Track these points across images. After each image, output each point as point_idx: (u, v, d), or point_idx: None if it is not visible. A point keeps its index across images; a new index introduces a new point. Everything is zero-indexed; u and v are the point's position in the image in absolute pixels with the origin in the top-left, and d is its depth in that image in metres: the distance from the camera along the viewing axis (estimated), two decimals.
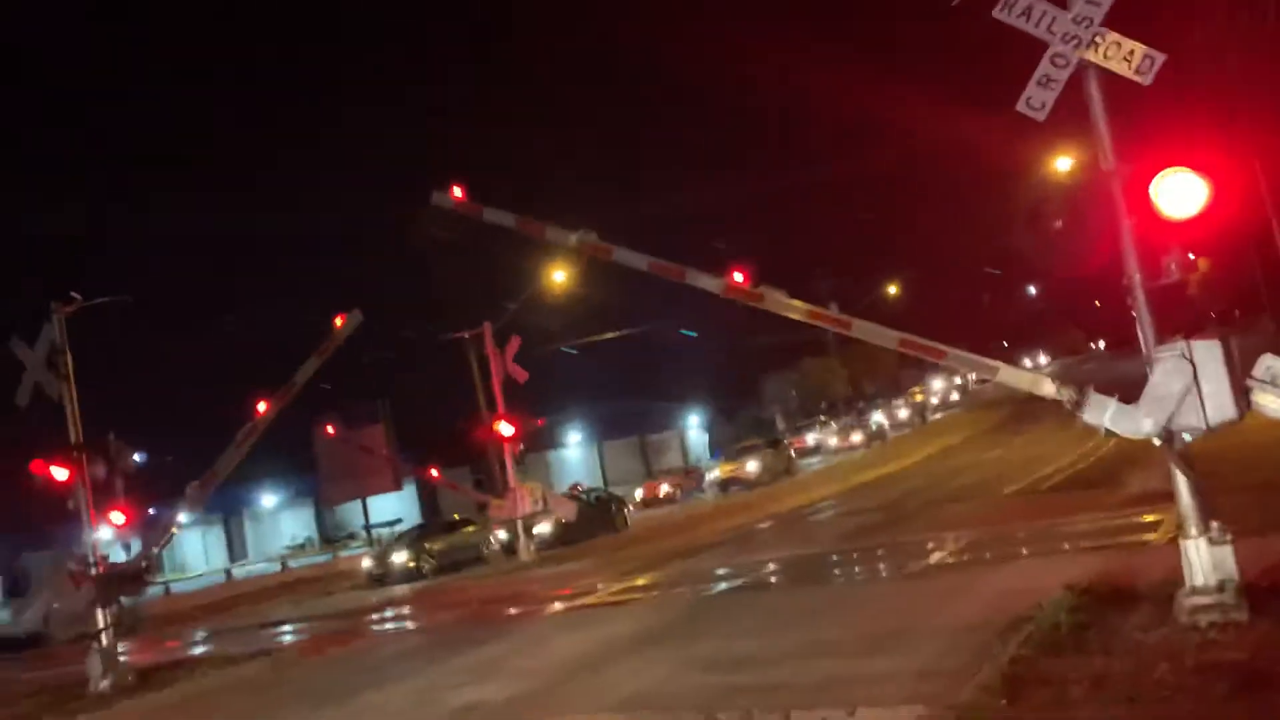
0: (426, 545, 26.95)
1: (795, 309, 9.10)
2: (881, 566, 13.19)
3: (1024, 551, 12.19)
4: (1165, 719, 5.40)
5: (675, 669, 9.08)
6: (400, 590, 23.14)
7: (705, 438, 65.57)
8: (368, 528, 44.05)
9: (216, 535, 55.44)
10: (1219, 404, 6.97)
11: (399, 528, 45.93)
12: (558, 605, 14.86)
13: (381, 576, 26.29)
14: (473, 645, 12.13)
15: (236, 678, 12.98)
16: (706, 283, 9.26)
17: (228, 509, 55.46)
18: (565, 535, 25.75)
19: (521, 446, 24.32)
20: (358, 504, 45.40)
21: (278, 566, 40.18)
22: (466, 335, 26.49)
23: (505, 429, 22.90)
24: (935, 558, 12.88)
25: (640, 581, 15.98)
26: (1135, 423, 7.20)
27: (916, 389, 68.02)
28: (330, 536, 52.50)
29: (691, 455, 62.65)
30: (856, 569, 13.50)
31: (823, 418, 55.66)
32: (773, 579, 14.06)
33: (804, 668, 8.12)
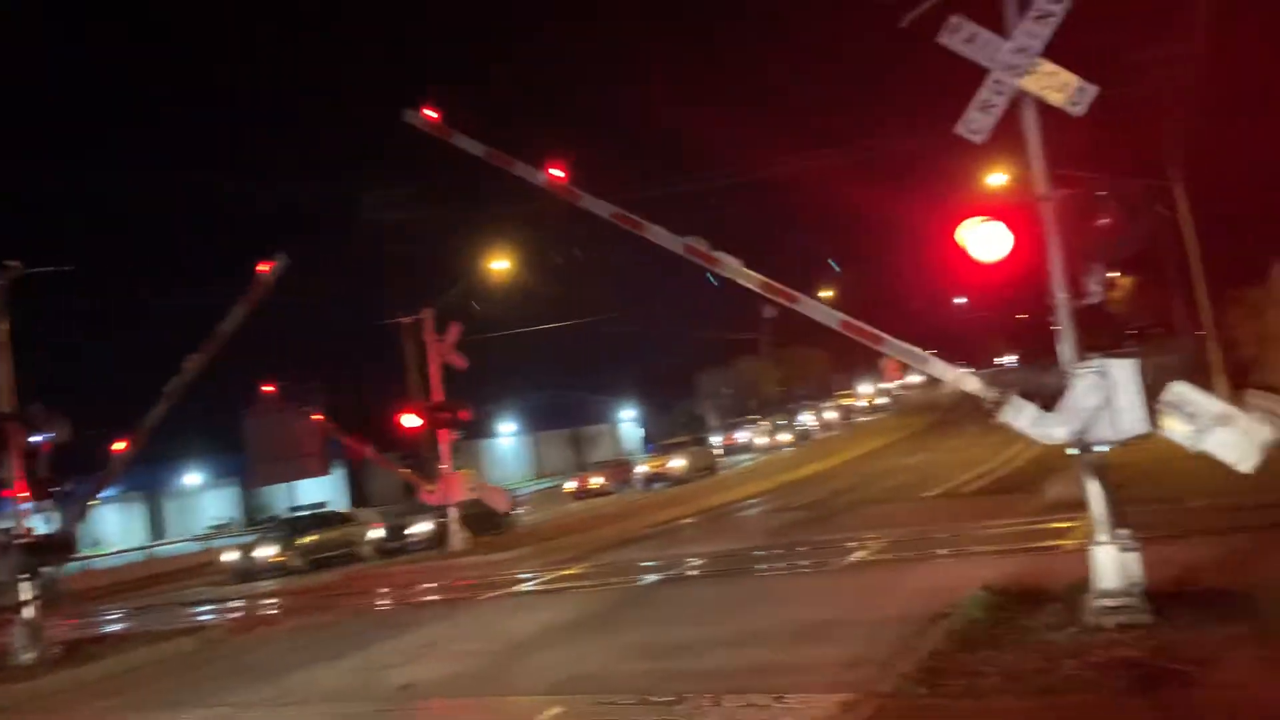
0: (297, 541, 25.99)
1: (748, 277, 9.27)
2: (809, 562, 13.58)
3: (944, 552, 12.67)
4: (1070, 711, 5.82)
5: (611, 655, 9.38)
6: (330, 576, 23.05)
7: (639, 432, 66.04)
8: (294, 511, 43.55)
9: (137, 513, 54.39)
10: (1131, 419, 7.44)
11: (323, 512, 45.65)
12: (493, 592, 15.03)
13: (245, 571, 25.38)
14: (408, 628, 12.29)
15: (165, 654, 12.97)
16: (666, 240, 9.44)
17: (150, 487, 54.41)
18: (440, 536, 23.68)
19: (458, 434, 24.33)
20: (282, 487, 44.82)
21: (199, 546, 39.60)
22: (405, 321, 26.39)
23: (441, 416, 22.89)
24: (860, 555, 13.33)
25: (574, 571, 16.21)
26: (1049, 429, 7.64)
27: (845, 392, 69.26)
28: (254, 518, 51.83)
29: (625, 448, 63.04)
30: (785, 564, 13.88)
31: (754, 416, 56.26)
32: (704, 572, 14.39)
33: (735, 655, 8.46)
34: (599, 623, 11.14)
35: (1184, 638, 6.74)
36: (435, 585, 16.91)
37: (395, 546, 25.32)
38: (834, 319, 8.89)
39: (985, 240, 7.61)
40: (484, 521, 25.23)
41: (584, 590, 13.95)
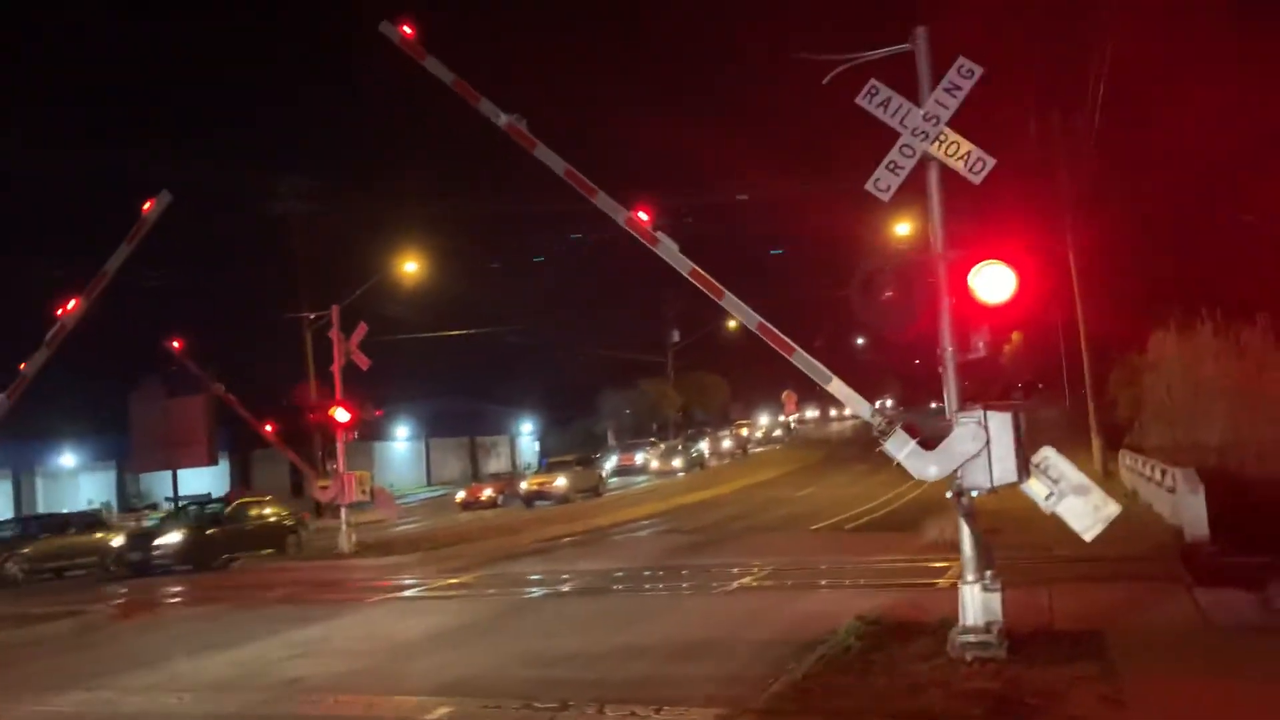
0: (23, 549, 23.34)
1: (680, 262, 9.29)
2: (695, 584, 13.94)
3: (825, 582, 13.20)
4: None
5: (497, 660, 9.60)
6: (208, 574, 22.60)
7: (536, 445, 66.01)
8: (175, 499, 42.39)
9: (3, 491, 52.19)
10: (1004, 468, 8.00)
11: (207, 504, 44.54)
12: (380, 596, 15.05)
13: None
14: (296, 626, 12.28)
15: (37, 636, 12.66)
16: (610, 208, 9.45)
17: (19, 464, 52.26)
18: (196, 550, 21.74)
19: (355, 434, 24.15)
20: (165, 475, 43.59)
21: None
22: (311, 316, 26.14)
23: (341, 414, 22.71)
24: (745, 581, 13.78)
25: (461, 580, 16.31)
26: (924, 466, 8.14)
27: (743, 421, 70.39)
28: (131, 504, 50.26)
29: (521, 461, 62.94)
30: (671, 585, 14.24)
31: (653, 438, 56.76)
32: (592, 587, 14.66)
33: (619, 668, 8.77)
34: (486, 631, 11.33)
35: (1035, 673, 7.30)
36: (322, 586, 16.83)
37: (138, 559, 22.06)
38: (753, 320, 9.01)
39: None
40: (262, 539, 23.45)
41: (471, 599, 14.09)
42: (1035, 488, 7.87)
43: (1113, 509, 7.81)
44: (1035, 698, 6.68)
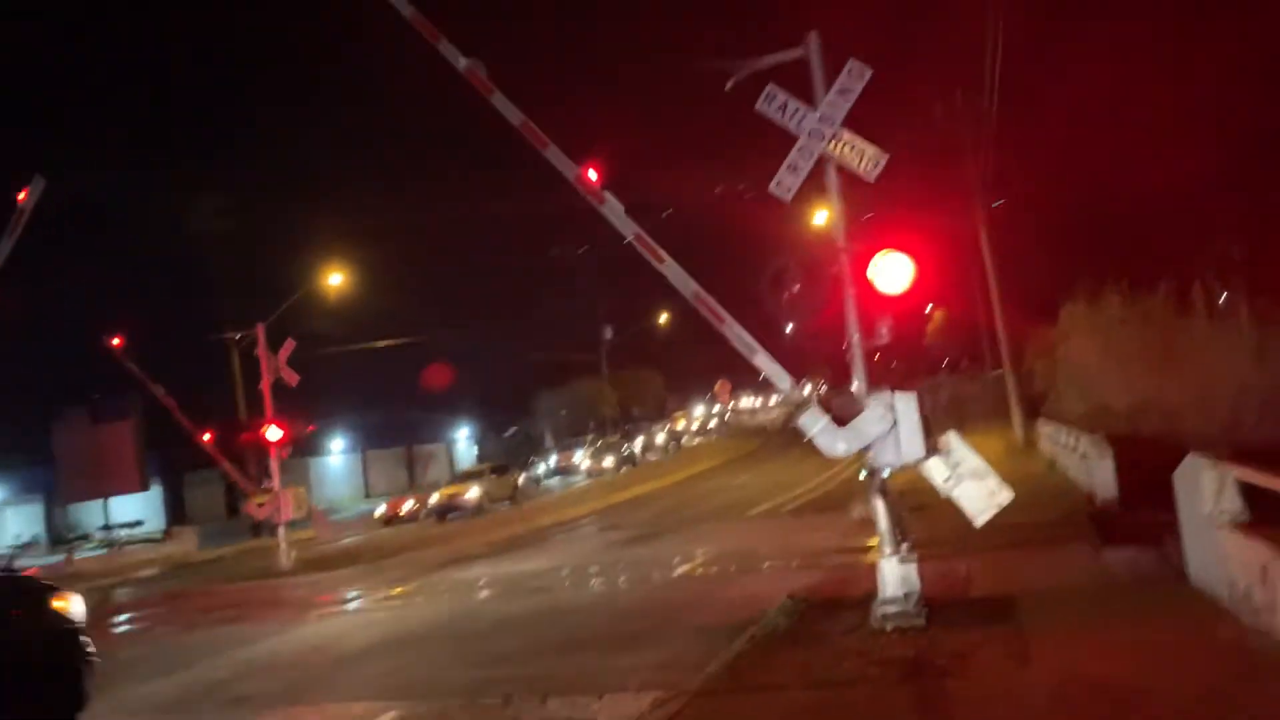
0: None
1: (628, 225, 9.31)
2: (634, 576, 14.26)
3: (759, 566, 13.65)
4: (847, 698, 6.72)
5: (442, 664, 9.88)
6: (149, 591, 22.44)
7: (475, 450, 65.86)
8: (108, 528, 41.67)
9: None
10: (912, 446, 8.48)
11: (139, 530, 43.76)
12: (324, 610, 15.15)
13: None
14: (241, 644, 12.39)
15: None
16: (563, 165, 9.35)
17: None
18: None
19: (289, 451, 24.10)
20: (95, 504, 42.81)
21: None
22: (237, 336, 25.95)
23: (274, 433, 22.65)
24: (683, 569, 14.19)
25: (404, 589, 16.46)
26: (834, 442, 8.57)
27: (680, 414, 70.95)
28: (61, 537, 49.16)
29: (459, 468, 62.78)
30: (610, 578, 14.56)
31: (590, 436, 56.98)
32: (532, 587, 14.93)
33: (561, 661, 9.09)
34: (430, 636, 11.57)
35: (950, 638, 7.79)
36: (265, 604, 16.85)
37: None
38: (690, 288, 9.13)
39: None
40: None
41: (414, 607, 14.28)
42: (935, 470, 8.36)
43: (1005, 495, 8.34)
44: (947, 660, 7.15)
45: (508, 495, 38.51)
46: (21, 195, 14.22)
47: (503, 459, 48.00)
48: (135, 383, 24.37)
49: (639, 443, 55.45)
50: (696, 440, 62.64)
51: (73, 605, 8.59)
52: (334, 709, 8.62)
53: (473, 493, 35.89)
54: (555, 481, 49.85)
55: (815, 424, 8.54)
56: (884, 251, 8.41)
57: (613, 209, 9.25)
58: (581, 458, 51.11)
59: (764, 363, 8.96)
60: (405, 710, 8.02)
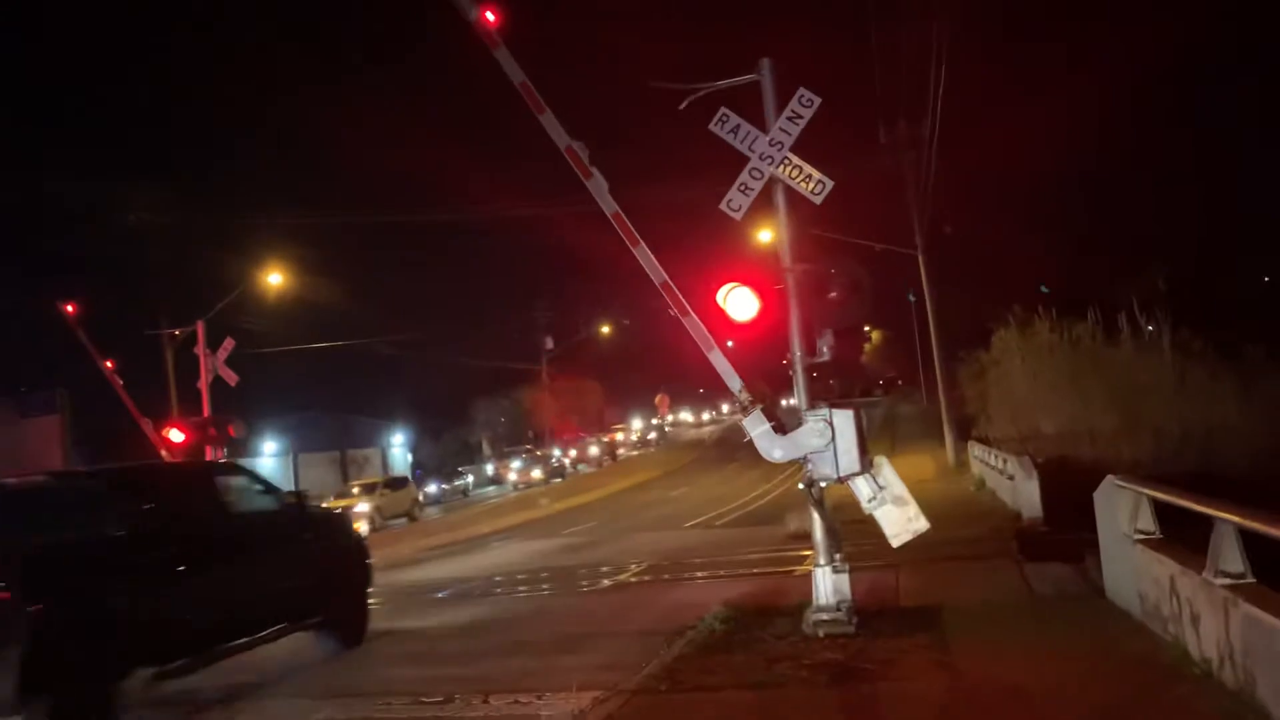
0: None
1: (608, 203, 9.23)
2: (573, 583, 14.49)
3: (696, 575, 13.94)
4: (778, 699, 7.01)
5: (384, 664, 10.00)
6: None
7: (409, 456, 65.39)
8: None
9: None
10: (848, 460, 8.81)
11: None
12: None
13: None
14: None
15: None
16: (555, 132, 9.25)
17: None
18: None
19: (225, 451, 23.79)
20: None
21: None
22: (177, 332, 25.61)
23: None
24: (621, 577, 14.42)
25: None
26: (771, 448, 8.87)
27: (618, 426, 71.29)
28: None
29: (393, 472, 62.26)
30: (550, 585, 14.74)
31: (528, 446, 56.94)
32: (473, 591, 15.03)
33: (502, 663, 9.25)
34: (370, 638, 11.61)
35: (878, 645, 8.13)
36: None
37: None
38: (659, 276, 9.17)
39: (737, 303, 8.87)
40: None
41: None
42: (862, 488, 8.73)
43: (922, 524, 8.77)
44: (875, 665, 7.49)
45: (404, 512, 36.70)
46: None
47: (436, 466, 47.67)
48: (83, 355, 23.35)
49: (568, 455, 55.01)
50: (635, 452, 62.86)
51: None
52: (273, 706, 8.67)
53: (363, 506, 33.71)
54: (492, 490, 49.71)
55: (757, 426, 8.85)
56: (829, 271, 8.76)
57: (597, 185, 9.25)
58: (521, 465, 50.88)
59: (717, 360, 9.09)
60: (345, 711, 8.11)
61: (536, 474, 48.46)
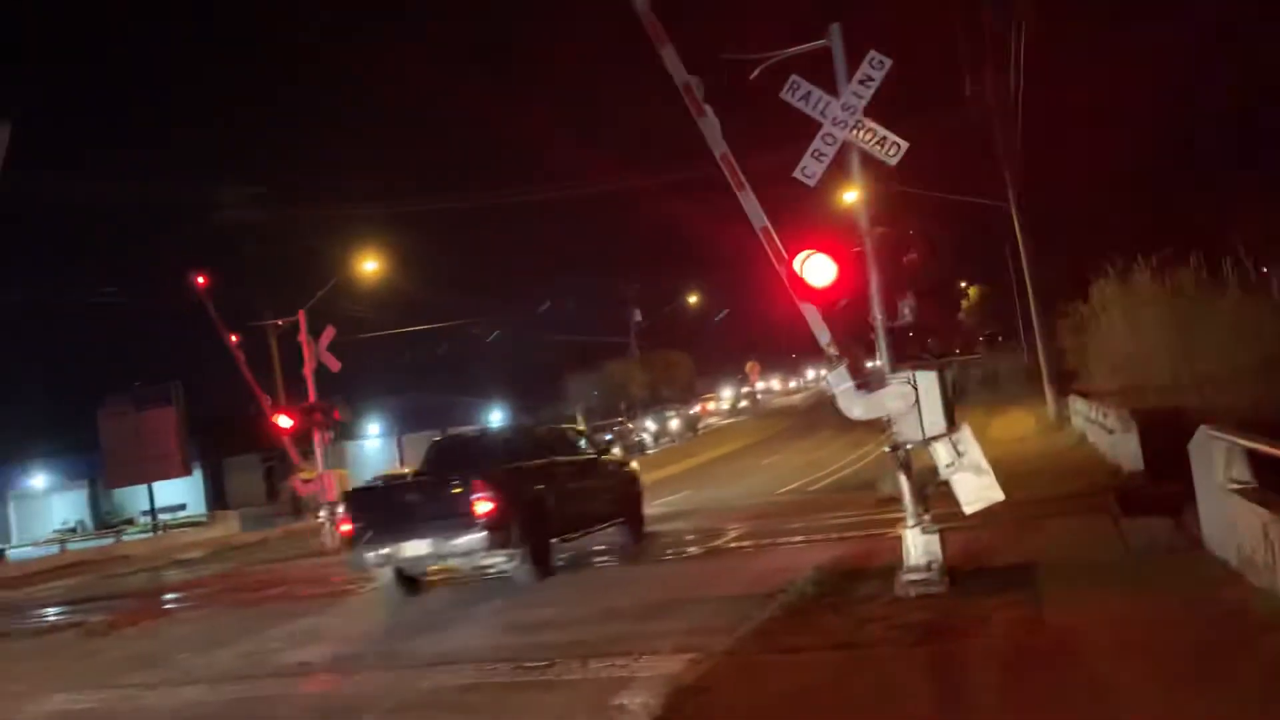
0: None
1: (718, 144, 9.22)
2: (665, 551, 14.71)
3: (788, 540, 14.02)
4: (870, 658, 7.14)
5: (483, 632, 10.39)
6: (196, 573, 23.13)
7: None
8: (152, 513, 42.66)
9: None
10: (933, 421, 8.85)
11: (182, 514, 44.79)
12: (369, 586, 15.67)
13: None
14: (292, 618, 12.89)
15: (47, 645, 13.20)
16: (673, 66, 9.21)
17: None
18: None
19: (332, 435, 24.64)
20: (138, 489, 43.82)
21: (53, 549, 38.46)
22: (279, 323, 26.50)
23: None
24: (713, 544, 14.60)
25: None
26: (852, 405, 8.99)
27: (709, 396, 71.26)
28: (105, 521, 50.37)
29: None
30: (643, 552, 14.98)
31: (620, 419, 57.01)
32: (564, 561, 15.37)
33: (597, 629, 9.54)
34: (469, 607, 12.06)
35: (970, 603, 8.17)
36: (311, 581, 17.42)
37: None
38: (760, 221, 9.17)
39: (814, 270, 8.91)
40: None
41: (451, 583, 14.70)
42: (940, 453, 8.77)
43: (997, 494, 8.80)
44: (965, 623, 7.54)
45: None
46: None
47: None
48: (211, 328, 24.38)
49: (649, 428, 53.41)
50: (728, 420, 62.66)
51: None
52: (386, 675, 9.10)
53: None
54: None
55: (841, 382, 8.96)
56: (906, 233, 8.75)
57: (710, 125, 9.24)
58: (613, 438, 49.67)
59: (810, 313, 9.12)
60: (454, 675, 8.49)
61: (616, 452, 46.33)
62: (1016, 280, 42.07)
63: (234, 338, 24.29)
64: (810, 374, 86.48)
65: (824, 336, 9.13)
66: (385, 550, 12.51)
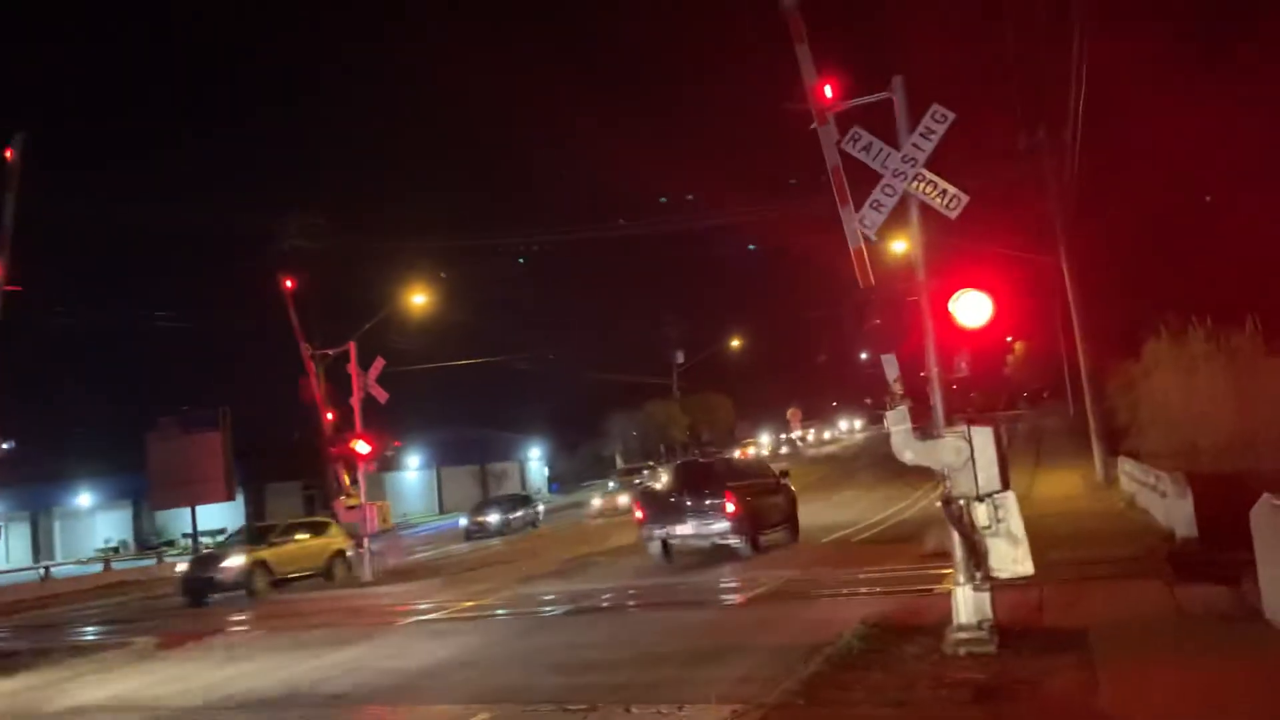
0: None
1: (833, 154, 9.20)
2: (707, 597, 14.63)
3: (832, 592, 13.87)
4: (916, 717, 7.00)
5: (528, 671, 10.34)
6: (248, 600, 23.27)
7: (545, 470, 66.69)
8: (194, 535, 43.07)
9: (20, 533, 52.95)
10: (988, 477, 8.74)
11: (222, 538, 45.20)
12: (408, 619, 15.71)
13: None
14: (333, 648, 12.95)
15: (93, 663, 13.35)
16: (807, 69, 9.25)
17: (36, 506, 53.14)
18: None
19: (374, 465, 24.88)
20: (180, 511, 44.31)
21: (96, 567, 38.95)
22: (330, 353, 26.84)
23: (362, 447, 23.42)
24: (756, 592, 14.46)
25: (481, 602, 16.94)
26: (904, 447, 9.00)
27: (748, 440, 70.92)
28: (147, 542, 50.94)
29: (531, 486, 63.58)
30: (685, 598, 14.89)
31: (651, 463, 56.17)
32: (609, 604, 15.32)
33: (641, 673, 9.48)
34: (512, 646, 12.04)
35: (1021, 664, 8.01)
36: (351, 612, 17.49)
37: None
38: (856, 241, 9.11)
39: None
40: None
41: (494, 619, 14.75)
42: (980, 514, 8.67)
43: (1027, 568, 8.75)
44: (1017, 684, 7.39)
45: (531, 522, 39.04)
46: (9, 154, 14.95)
47: (572, 478, 47.83)
48: (289, 330, 25.36)
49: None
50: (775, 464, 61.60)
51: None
52: (426, 710, 9.10)
53: (494, 517, 37.41)
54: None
55: (899, 423, 8.96)
56: (965, 290, 8.70)
57: (828, 133, 9.26)
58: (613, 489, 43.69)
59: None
60: (497, 713, 8.46)
61: (623, 500, 39.17)
62: (1065, 336, 41.62)
63: (309, 350, 25.06)
64: (857, 423, 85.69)
65: (893, 372, 9.13)
66: (662, 530, 19.12)
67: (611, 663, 10.24)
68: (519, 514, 39.27)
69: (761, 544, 19.38)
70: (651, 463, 55.89)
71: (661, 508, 19.34)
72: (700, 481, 19.61)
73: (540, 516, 41.22)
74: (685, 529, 18.87)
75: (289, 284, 24.93)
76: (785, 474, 22.47)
